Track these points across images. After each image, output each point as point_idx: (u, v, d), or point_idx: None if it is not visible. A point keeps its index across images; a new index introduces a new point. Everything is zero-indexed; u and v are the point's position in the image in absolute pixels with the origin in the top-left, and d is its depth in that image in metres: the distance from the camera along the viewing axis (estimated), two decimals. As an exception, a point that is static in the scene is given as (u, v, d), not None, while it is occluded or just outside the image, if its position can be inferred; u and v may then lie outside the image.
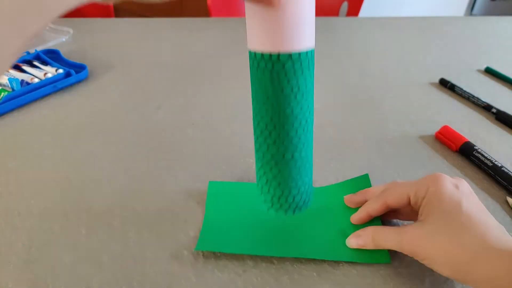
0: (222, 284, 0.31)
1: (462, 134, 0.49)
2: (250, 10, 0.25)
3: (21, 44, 0.15)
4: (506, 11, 2.50)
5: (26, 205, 0.39)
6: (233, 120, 0.54)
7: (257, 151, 0.32)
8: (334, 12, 1.34)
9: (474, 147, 0.46)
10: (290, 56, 0.26)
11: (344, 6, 1.31)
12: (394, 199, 0.31)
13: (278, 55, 0.25)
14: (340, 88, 0.64)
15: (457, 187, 0.29)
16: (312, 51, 0.27)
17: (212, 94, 0.61)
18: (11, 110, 0.56)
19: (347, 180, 0.41)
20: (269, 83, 0.27)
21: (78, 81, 0.65)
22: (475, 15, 2.53)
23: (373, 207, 0.33)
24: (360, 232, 0.33)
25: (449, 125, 0.51)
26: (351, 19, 1.03)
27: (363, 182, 0.40)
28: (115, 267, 0.33)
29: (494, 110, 0.56)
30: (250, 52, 0.27)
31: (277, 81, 0.27)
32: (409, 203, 0.31)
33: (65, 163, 0.45)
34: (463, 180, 0.30)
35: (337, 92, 0.63)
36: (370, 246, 0.32)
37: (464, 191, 0.28)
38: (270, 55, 0.26)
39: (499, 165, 0.43)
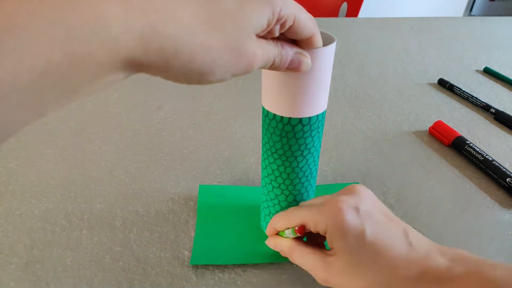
0: (223, 284, 0.32)
1: (461, 134, 0.49)
2: (267, 73, 0.26)
3: (30, 121, 0.15)
4: (505, 11, 2.51)
5: (27, 206, 0.39)
6: (233, 120, 0.54)
7: (263, 187, 0.34)
8: (334, 13, 1.34)
9: (466, 142, 0.47)
10: (300, 120, 0.27)
11: (344, 6, 1.32)
12: (295, 224, 0.29)
13: (289, 119, 0.27)
14: (340, 88, 0.65)
15: (357, 210, 0.26)
16: (323, 113, 0.28)
17: (213, 94, 0.61)
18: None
19: (339, 184, 0.42)
20: (278, 139, 0.28)
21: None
22: (474, 15, 2.53)
23: (278, 224, 0.31)
24: (281, 240, 0.31)
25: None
26: (350, 19, 1.03)
27: None
28: (116, 267, 0.33)
29: (492, 110, 0.56)
30: (263, 108, 0.29)
31: (286, 139, 0.28)
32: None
33: (65, 163, 0.45)
34: (360, 187, 0.28)
35: (336, 92, 0.63)
36: (286, 255, 0.30)
37: (364, 212, 0.26)
38: (282, 117, 0.27)
39: (490, 159, 0.44)
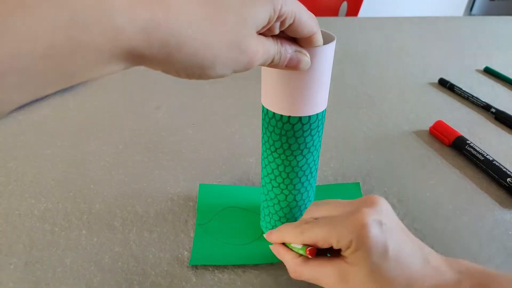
0: (222, 284, 0.32)
1: (462, 133, 0.49)
2: (266, 71, 0.26)
3: (23, 102, 0.15)
4: (505, 11, 2.51)
5: (26, 206, 0.39)
6: (233, 120, 0.54)
7: (263, 186, 0.33)
8: (334, 12, 1.34)
9: (467, 141, 0.47)
10: (300, 119, 0.27)
11: (344, 6, 1.31)
12: (312, 240, 0.27)
13: (289, 117, 0.27)
14: (340, 87, 0.64)
15: (380, 224, 0.25)
16: (323, 112, 0.28)
17: (212, 93, 0.61)
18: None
19: (340, 184, 0.42)
20: (277, 138, 0.28)
21: (78, 82, 0.65)
22: (474, 15, 2.53)
23: (289, 238, 0.29)
24: (285, 251, 0.29)
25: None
26: (350, 19, 1.03)
27: (353, 189, 0.41)
28: (115, 267, 0.33)
29: (493, 110, 0.56)
30: (262, 106, 0.28)
31: (285, 138, 0.28)
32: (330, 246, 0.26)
33: (64, 163, 0.45)
34: (380, 199, 0.27)
35: (336, 92, 0.63)
36: (288, 268, 0.29)
37: (387, 226, 0.25)
38: (281, 116, 0.27)
39: (491, 158, 0.44)
